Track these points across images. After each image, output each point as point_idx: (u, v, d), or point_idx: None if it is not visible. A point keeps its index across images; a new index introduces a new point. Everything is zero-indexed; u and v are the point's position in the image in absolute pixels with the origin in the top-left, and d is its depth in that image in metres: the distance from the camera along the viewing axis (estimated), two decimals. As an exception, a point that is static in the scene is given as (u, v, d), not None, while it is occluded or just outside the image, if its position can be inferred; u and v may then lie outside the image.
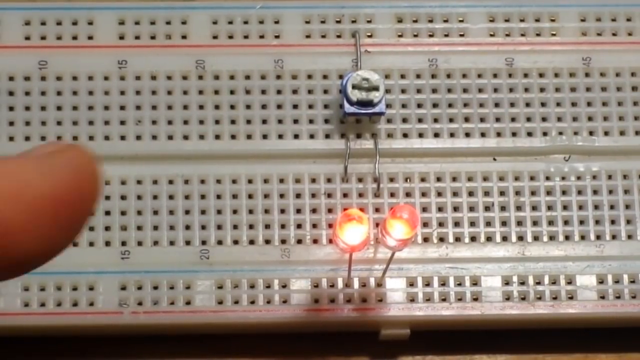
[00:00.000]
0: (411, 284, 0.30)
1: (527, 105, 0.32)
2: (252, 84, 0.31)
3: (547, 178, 0.31)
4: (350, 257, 0.29)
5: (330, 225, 0.31)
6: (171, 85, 0.31)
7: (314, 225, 0.31)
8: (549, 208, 0.31)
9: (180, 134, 0.31)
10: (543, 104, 0.32)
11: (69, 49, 0.31)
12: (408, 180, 0.31)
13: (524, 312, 0.30)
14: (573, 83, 0.32)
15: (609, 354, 0.32)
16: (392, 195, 0.31)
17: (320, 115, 0.31)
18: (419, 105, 0.32)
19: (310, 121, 0.31)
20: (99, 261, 0.30)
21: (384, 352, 0.32)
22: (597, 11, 0.32)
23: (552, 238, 0.31)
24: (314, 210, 0.31)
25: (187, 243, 0.30)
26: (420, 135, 0.31)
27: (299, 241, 0.31)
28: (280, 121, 0.31)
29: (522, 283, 0.31)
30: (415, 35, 0.32)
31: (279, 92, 0.31)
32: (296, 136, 0.31)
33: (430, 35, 0.32)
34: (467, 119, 0.32)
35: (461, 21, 0.32)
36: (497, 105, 0.32)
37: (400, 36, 0.32)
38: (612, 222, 0.31)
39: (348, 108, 0.30)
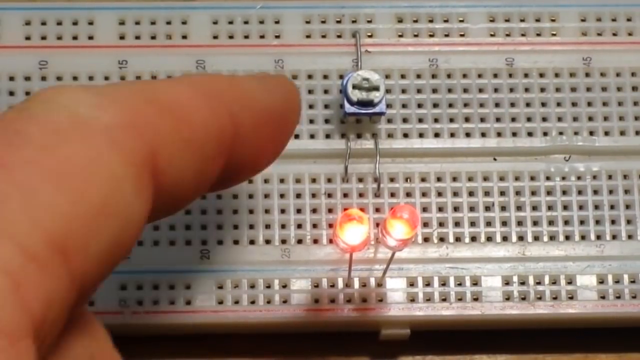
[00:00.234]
0: (411, 284, 0.30)
1: (528, 105, 0.32)
2: (252, 84, 0.31)
3: (548, 178, 0.31)
4: (351, 257, 0.29)
5: (330, 225, 0.31)
6: (171, 85, 0.31)
7: (314, 225, 0.31)
8: (549, 208, 0.31)
9: (181, 134, 0.31)
10: (543, 104, 0.32)
11: (69, 49, 0.31)
12: (408, 180, 0.31)
13: (524, 312, 0.30)
14: (573, 83, 0.32)
15: (609, 354, 0.32)
16: (392, 195, 0.31)
17: (320, 115, 0.31)
18: (420, 105, 0.32)
19: (311, 121, 0.31)
20: (99, 261, 0.30)
21: (384, 352, 0.32)
22: (597, 11, 0.32)
23: (552, 238, 0.31)
24: (314, 210, 0.31)
25: (187, 243, 0.30)
26: (421, 135, 0.31)
27: (299, 241, 0.31)
28: (280, 121, 0.31)
29: (523, 283, 0.31)
30: (416, 35, 0.32)
31: (279, 92, 0.31)
32: (296, 136, 0.31)
33: (431, 35, 0.32)
34: (467, 119, 0.32)
35: (461, 21, 0.32)
36: (497, 105, 0.32)
37: (400, 36, 0.32)
38: (613, 222, 0.31)
39: (348, 108, 0.30)
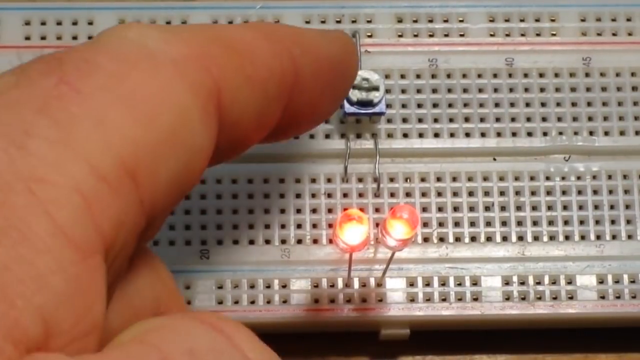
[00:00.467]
0: (411, 284, 0.30)
1: (527, 105, 0.32)
2: (252, 84, 0.31)
3: (547, 178, 0.31)
4: (350, 257, 0.29)
5: (330, 225, 0.31)
6: (171, 85, 0.31)
7: (314, 225, 0.31)
8: (549, 208, 0.31)
9: (180, 134, 0.31)
10: (543, 104, 0.32)
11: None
12: (408, 180, 0.31)
13: (524, 312, 0.30)
14: (573, 83, 0.32)
15: (609, 354, 0.32)
16: (392, 195, 0.31)
17: (320, 115, 0.31)
18: (419, 105, 0.32)
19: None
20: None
21: (384, 352, 0.32)
22: (597, 11, 0.32)
23: (552, 238, 0.31)
24: (314, 210, 0.31)
25: (187, 243, 0.30)
26: (421, 135, 0.31)
27: (299, 241, 0.31)
28: (280, 121, 0.31)
29: (522, 283, 0.31)
30: (415, 35, 0.32)
31: (279, 92, 0.31)
32: (296, 136, 0.31)
33: (430, 35, 0.32)
34: (467, 119, 0.32)
35: (461, 21, 0.32)
36: (497, 105, 0.32)
37: (400, 36, 0.32)
38: (612, 222, 0.31)
39: (348, 108, 0.30)
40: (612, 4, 0.32)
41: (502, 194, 0.31)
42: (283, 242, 0.31)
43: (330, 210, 0.31)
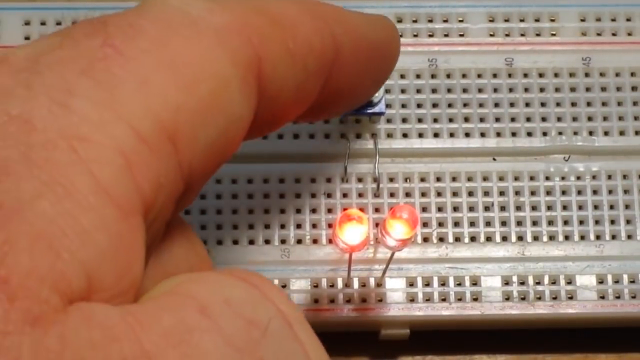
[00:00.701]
0: (411, 284, 0.30)
1: (527, 105, 0.32)
2: (251, 84, 0.31)
3: (547, 178, 0.31)
4: (350, 257, 0.29)
5: (330, 225, 0.31)
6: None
7: (314, 225, 0.31)
8: (549, 208, 0.31)
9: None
10: (543, 104, 0.32)
11: (68, 49, 0.31)
12: (408, 180, 0.31)
13: (524, 312, 0.30)
14: (573, 83, 0.32)
15: (609, 354, 0.32)
16: (391, 195, 0.31)
17: (320, 115, 0.31)
18: (419, 105, 0.32)
19: (310, 121, 0.31)
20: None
21: (384, 352, 0.32)
22: (596, 11, 0.32)
23: (551, 238, 0.31)
24: (313, 210, 0.31)
25: (187, 243, 0.30)
26: (420, 135, 0.31)
27: (299, 241, 0.31)
28: (280, 121, 0.31)
29: (522, 283, 0.31)
30: (415, 35, 0.32)
31: (278, 92, 0.31)
32: (296, 136, 0.31)
33: (430, 35, 0.32)
34: (466, 119, 0.32)
35: (461, 21, 0.32)
36: (496, 105, 0.32)
37: (400, 36, 0.32)
38: (612, 222, 0.31)
39: (348, 108, 0.30)
40: (612, 4, 0.32)
41: (501, 194, 0.31)
42: (283, 242, 0.31)
43: (330, 210, 0.31)
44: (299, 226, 0.31)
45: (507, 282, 0.31)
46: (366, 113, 0.30)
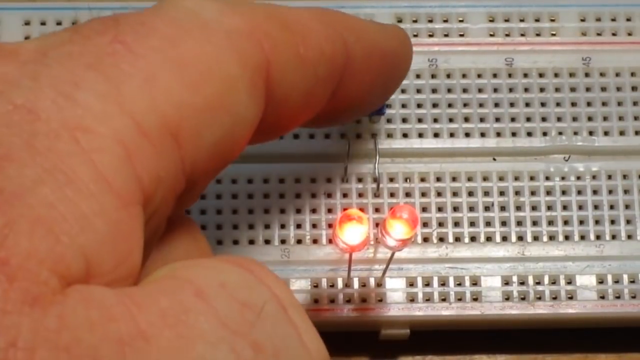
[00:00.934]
0: (411, 284, 0.30)
1: (527, 105, 0.32)
2: (251, 84, 0.31)
3: (547, 178, 0.31)
4: (350, 257, 0.29)
5: (330, 225, 0.31)
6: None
7: (314, 225, 0.31)
8: (549, 208, 0.31)
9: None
10: (543, 104, 0.32)
11: (68, 49, 0.31)
12: (408, 180, 0.31)
13: (524, 312, 0.30)
14: (573, 83, 0.32)
15: (609, 354, 0.32)
16: (391, 195, 0.31)
17: (320, 115, 0.31)
18: (419, 105, 0.32)
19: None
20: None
21: (384, 352, 0.32)
22: (596, 11, 0.32)
23: (551, 238, 0.31)
24: (313, 211, 0.31)
25: (187, 243, 0.30)
26: (420, 135, 0.31)
27: (299, 241, 0.31)
28: (280, 121, 0.31)
29: (522, 283, 0.31)
30: (415, 35, 0.32)
31: (278, 92, 0.31)
32: (296, 136, 0.31)
33: (430, 35, 0.32)
34: (466, 119, 0.32)
35: (461, 21, 0.32)
36: (496, 105, 0.32)
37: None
38: (612, 222, 0.31)
39: (348, 108, 0.30)
40: (612, 4, 0.32)
41: (501, 194, 0.31)
42: (283, 242, 0.31)
43: (330, 210, 0.31)
44: (299, 226, 0.31)
45: (507, 282, 0.31)
46: (366, 113, 0.30)
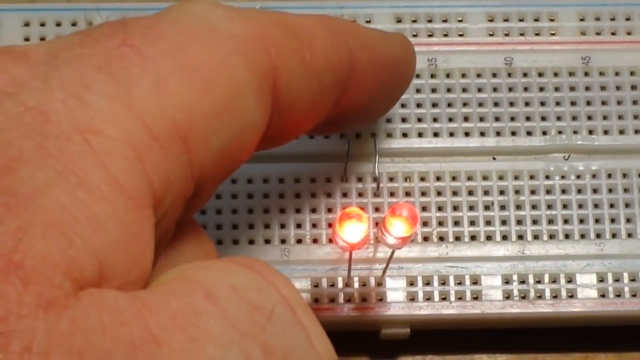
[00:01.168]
0: (411, 283, 0.30)
1: (527, 104, 0.32)
2: (251, 84, 0.31)
3: (547, 177, 0.31)
4: (350, 255, 0.29)
5: (329, 225, 0.31)
6: (170, 85, 0.31)
7: (314, 225, 0.31)
8: (549, 207, 0.31)
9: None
10: (542, 103, 0.32)
11: (68, 49, 0.31)
12: (407, 179, 0.31)
13: (524, 311, 0.30)
14: (572, 82, 0.32)
15: (608, 354, 0.32)
16: (391, 194, 0.31)
17: (319, 115, 0.31)
18: (418, 105, 0.32)
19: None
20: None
21: (384, 351, 0.31)
22: (596, 10, 0.33)
23: (552, 237, 0.31)
24: (313, 210, 0.31)
25: (187, 243, 0.30)
26: (420, 135, 0.31)
27: (299, 241, 0.31)
28: (279, 121, 0.31)
29: (522, 282, 0.31)
30: (415, 35, 0.32)
31: (278, 92, 0.31)
32: (296, 137, 0.31)
33: (430, 35, 0.32)
34: (466, 119, 0.32)
35: (460, 21, 0.32)
36: (496, 104, 0.32)
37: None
38: (612, 220, 0.31)
39: (347, 107, 0.30)
40: (611, 4, 0.33)
41: (501, 193, 0.31)
42: (283, 241, 0.31)
43: (329, 210, 0.31)
44: (299, 226, 0.31)
45: (507, 280, 0.31)
46: (366, 112, 0.30)
